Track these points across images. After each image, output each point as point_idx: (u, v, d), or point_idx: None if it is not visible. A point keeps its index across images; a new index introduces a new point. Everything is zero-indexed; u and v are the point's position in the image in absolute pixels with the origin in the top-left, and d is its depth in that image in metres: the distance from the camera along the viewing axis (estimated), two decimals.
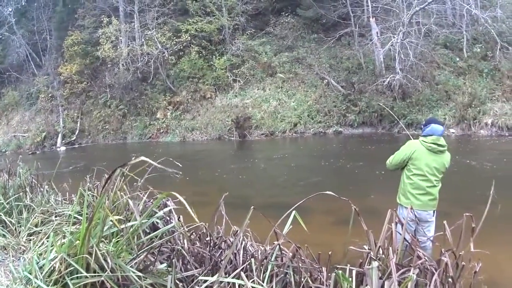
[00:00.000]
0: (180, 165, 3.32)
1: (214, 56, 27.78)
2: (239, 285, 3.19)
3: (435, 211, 5.33)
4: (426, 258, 3.42)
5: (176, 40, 27.35)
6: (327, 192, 3.51)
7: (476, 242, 3.47)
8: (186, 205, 3.00)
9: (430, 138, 5.17)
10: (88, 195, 4.80)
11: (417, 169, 5.20)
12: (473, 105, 19.27)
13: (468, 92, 20.05)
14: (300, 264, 3.44)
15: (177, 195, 3.12)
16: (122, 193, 4.60)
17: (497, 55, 21.43)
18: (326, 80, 24.58)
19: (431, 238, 5.18)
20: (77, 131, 30.29)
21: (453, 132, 19.07)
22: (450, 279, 3.26)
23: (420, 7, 21.23)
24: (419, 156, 5.19)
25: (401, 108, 20.80)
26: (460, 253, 3.39)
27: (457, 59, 22.83)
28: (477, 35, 23.63)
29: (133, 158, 2.93)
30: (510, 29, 22.46)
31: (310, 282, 3.37)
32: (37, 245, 4.24)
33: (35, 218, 5.17)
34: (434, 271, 3.24)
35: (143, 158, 2.90)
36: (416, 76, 20.95)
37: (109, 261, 3.09)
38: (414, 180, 5.22)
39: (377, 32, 22.82)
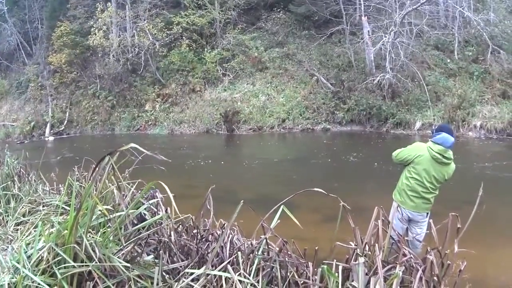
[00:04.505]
0: (170, 160, 3.30)
1: (204, 50, 27.70)
2: (225, 278, 3.20)
3: (428, 213, 5.39)
4: (411, 255, 3.46)
5: (167, 32, 27.30)
6: (316, 189, 3.51)
7: (463, 241, 3.51)
8: (170, 195, 3.00)
9: (437, 148, 5.12)
10: (76, 185, 4.76)
11: (416, 174, 5.22)
12: (462, 107, 19.37)
13: (458, 94, 20.13)
14: (286, 259, 3.46)
15: (164, 184, 3.11)
16: (110, 184, 4.58)
17: (488, 58, 21.54)
18: (316, 77, 24.60)
19: (420, 238, 5.24)
20: (66, 121, 29.99)
21: None
22: (435, 277, 3.30)
23: (412, 7, 21.25)
24: (422, 162, 5.19)
25: (390, 107, 20.91)
26: (446, 252, 3.43)
27: (448, 60, 22.93)
28: (469, 37, 23.71)
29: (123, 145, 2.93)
30: (502, 32, 22.53)
31: (296, 277, 3.39)
32: (24, 235, 4.22)
33: (22, 207, 5.15)
34: (419, 268, 3.27)
35: (133, 145, 2.90)
36: (406, 76, 21.05)
37: (97, 251, 3.09)
38: (412, 183, 5.25)
39: (368, 31, 22.84)
